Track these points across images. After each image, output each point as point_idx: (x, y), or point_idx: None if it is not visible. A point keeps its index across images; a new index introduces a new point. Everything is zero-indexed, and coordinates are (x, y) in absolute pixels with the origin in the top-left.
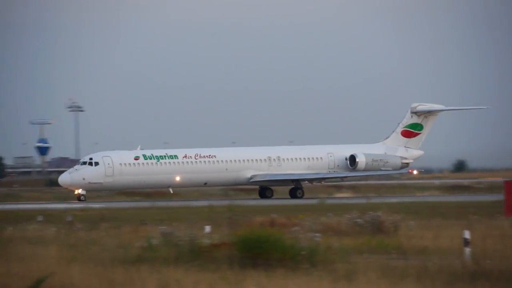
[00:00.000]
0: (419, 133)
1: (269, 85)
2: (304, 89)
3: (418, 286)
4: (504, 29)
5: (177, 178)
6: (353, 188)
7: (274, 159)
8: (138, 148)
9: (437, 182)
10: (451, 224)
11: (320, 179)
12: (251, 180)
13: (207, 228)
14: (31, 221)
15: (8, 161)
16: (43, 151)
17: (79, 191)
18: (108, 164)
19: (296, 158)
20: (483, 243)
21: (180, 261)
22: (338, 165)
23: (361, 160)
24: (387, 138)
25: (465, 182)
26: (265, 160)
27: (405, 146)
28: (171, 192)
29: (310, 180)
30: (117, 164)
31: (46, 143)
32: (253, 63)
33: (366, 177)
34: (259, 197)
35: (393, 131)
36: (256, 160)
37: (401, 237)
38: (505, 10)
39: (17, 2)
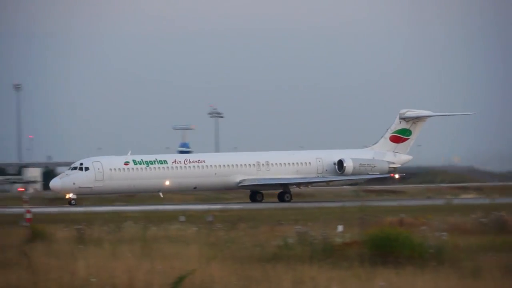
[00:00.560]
0: (408, 138)
1: (263, 89)
2: (296, 95)
3: None
4: (491, 35)
5: (167, 183)
6: (477, 189)
7: (262, 164)
8: (129, 153)
9: None
10: None
11: (307, 183)
12: (240, 185)
13: (340, 228)
14: (174, 221)
15: None
16: None
17: (70, 195)
18: (98, 169)
19: (284, 163)
20: None
21: (314, 259)
22: (326, 170)
23: (348, 164)
24: (375, 143)
25: None
26: (253, 165)
27: (393, 151)
28: (161, 196)
29: (298, 184)
30: (107, 169)
31: (187, 147)
32: (253, 65)
33: (354, 181)
34: (250, 201)
35: (382, 137)
36: (245, 165)
37: None
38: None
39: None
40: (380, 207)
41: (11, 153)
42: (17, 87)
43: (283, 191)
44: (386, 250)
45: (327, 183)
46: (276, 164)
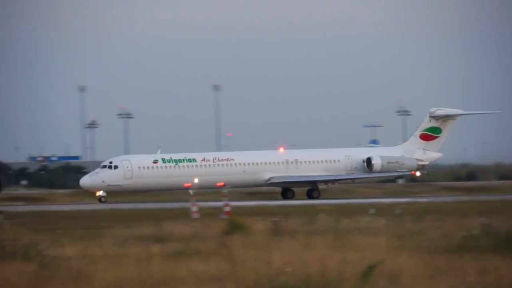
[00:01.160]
0: (438, 136)
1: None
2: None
3: None
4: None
5: (195, 180)
6: None
7: (291, 162)
8: (158, 152)
9: None
10: None
11: (334, 181)
12: (269, 182)
13: None
14: (364, 213)
15: None
16: None
17: (99, 193)
18: (127, 167)
19: (313, 161)
20: None
21: (497, 249)
22: (355, 167)
23: (376, 162)
24: (405, 141)
25: None
26: (282, 163)
27: (423, 149)
28: (191, 193)
29: (325, 182)
30: (136, 167)
31: (376, 143)
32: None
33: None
34: (281, 198)
35: (412, 135)
36: (274, 163)
37: None
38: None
39: None
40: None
41: (211, 149)
42: (216, 88)
43: (312, 188)
44: None
45: (352, 180)
46: (305, 162)
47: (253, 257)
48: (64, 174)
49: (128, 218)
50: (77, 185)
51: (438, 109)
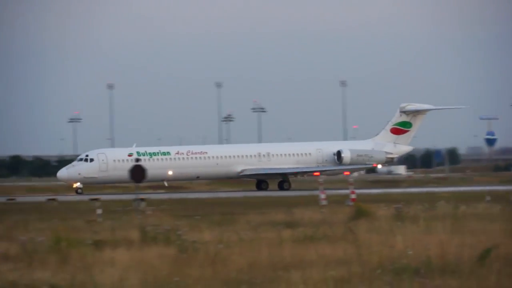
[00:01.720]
0: (408, 130)
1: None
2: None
3: None
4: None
5: (169, 172)
6: None
7: (263, 155)
8: (134, 146)
9: None
10: None
11: (303, 173)
12: (241, 174)
13: None
14: (481, 200)
15: (461, 151)
16: (491, 142)
17: (76, 184)
18: (103, 160)
19: (285, 154)
20: None
21: None
22: (326, 160)
23: (346, 155)
24: (376, 135)
25: None
26: (255, 156)
27: (394, 142)
28: (166, 185)
29: (295, 174)
30: (111, 160)
31: (493, 136)
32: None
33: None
34: (256, 189)
35: (383, 129)
36: (246, 156)
37: None
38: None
39: None
40: None
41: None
42: (343, 83)
43: (282, 180)
44: None
45: (320, 172)
46: (277, 155)
47: (377, 241)
48: None
49: (261, 205)
50: None
51: (408, 104)
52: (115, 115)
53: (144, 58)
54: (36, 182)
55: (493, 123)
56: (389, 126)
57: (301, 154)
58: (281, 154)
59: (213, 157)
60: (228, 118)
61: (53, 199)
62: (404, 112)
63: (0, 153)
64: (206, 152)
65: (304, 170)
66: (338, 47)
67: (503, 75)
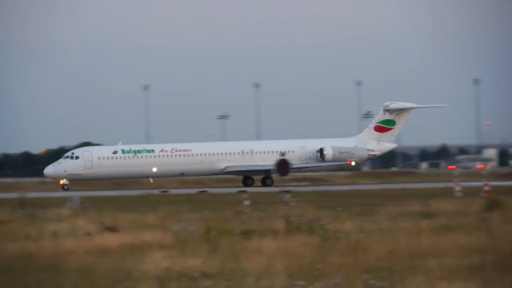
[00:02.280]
0: (392, 128)
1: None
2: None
3: None
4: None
5: (154, 169)
6: None
7: (247, 152)
8: (119, 143)
9: None
10: None
11: None
12: (225, 171)
13: None
14: None
15: None
16: None
17: (63, 181)
18: (88, 157)
19: (267, 151)
20: None
21: None
22: (309, 157)
23: (328, 152)
24: (360, 132)
25: None
26: (238, 153)
27: (377, 140)
28: (151, 181)
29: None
30: (96, 157)
31: None
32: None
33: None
34: (242, 185)
35: (367, 127)
36: (230, 153)
37: None
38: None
39: None
40: None
41: (470, 135)
42: (476, 82)
43: (265, 176)
44: None
45: (299, 169)
46: (260, 152)
47: (510, 231)
48: None
49: (399, 196)
50: None
51: (391, 103)
52: (261, 112)
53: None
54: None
55: None
56: (373, 124)
57: (284, 151)
58: (264, 152)
59: (197, 154)
60: (367, 115)
61: (204, 191)
62: (388, 110)
63: None
64: (190, 150)
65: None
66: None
67: None
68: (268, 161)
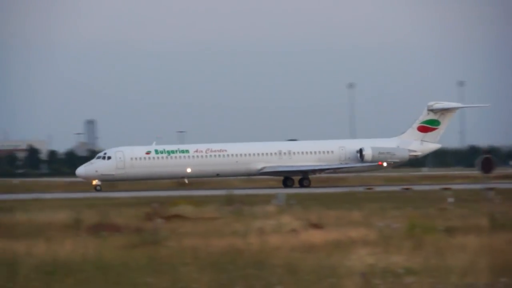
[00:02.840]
0: (436, 128)
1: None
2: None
3: None
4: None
5: (188, 170)
6: None
7: (284, 153)
8: (153, 144)
9: None
10: None
11: (321, 170)
12: (261, 171)
13: None
14: None
15: None
16: None
17: (95, 182)
18: (120, 158)
19: (306, 152)
20: None
21: None
22: (349, 158)
23: (367, 152)
24: (403, 133)
25: None
26: (275, 153)
27: (421, 140)
28: (186, 182)
29: (314, 172)
30: (128, 158)
31: None
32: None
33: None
34: (283, 186)
35: (410, 127)
36: (266, 153)
37: None
38: None
39: None
40: None
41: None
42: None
43: (302, 177)
44: None
45: (335, 170)
46: (298, 152)
47: None
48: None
49: None
50: None
51: (436, 103)
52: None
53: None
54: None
55: None
56: (416, 124)
57: (323, 152)
58: (302, 152)
59: (232, 154)
60: None
61: (408, 188)
62: (432, 110)
63: None
64: (226, 150)
65: (323, 167)
66: None
67: None
68: (306, 162)
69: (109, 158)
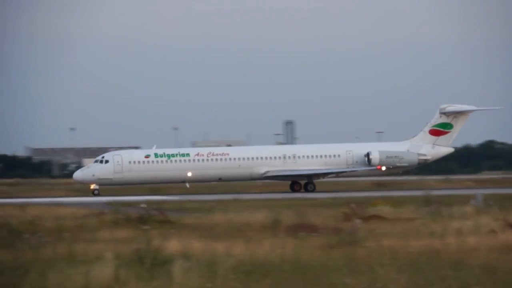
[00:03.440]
0: (449, 132)
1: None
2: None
3: None
4: None
5: (189, 174)
6: None
7: (289, 157)
8: (154, 147)
9: None
10: None
11: (325, 174)
12: (265, 176)
13: None
14: None
15: None
16: None
17: (93, 186)
18: (117, 161)
19: (311, 156)
20: None
21: None
22: (356, 161)
23: (374, 156)
24: (414, 136)
25: None
26: (279, 157)
27: (433, 144)
28: (188, 186)
29: (319, 176)
30: (126, 162)
31: None
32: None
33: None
34: (290, 190)
35: (421, 130)
36: (270, 157)
37: None
38: None
39: None
40: None
41: None
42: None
43: (307, 181)
44: None
45: (338, 174)
46: (303, 156)
47: None
48: None
49: None
50: None
51: (448, 106)
52: None
53: None
54: None
55: None
56: (428, 127)
57: (329, 155)
58: (307, 156)
59: (235, 158)
60: None
61: None
62: (444, 113)
63: None
64: (228, 154)
65: (328, 171)
66: None
67: None
68: (312, 166)
69: (106, 162)
